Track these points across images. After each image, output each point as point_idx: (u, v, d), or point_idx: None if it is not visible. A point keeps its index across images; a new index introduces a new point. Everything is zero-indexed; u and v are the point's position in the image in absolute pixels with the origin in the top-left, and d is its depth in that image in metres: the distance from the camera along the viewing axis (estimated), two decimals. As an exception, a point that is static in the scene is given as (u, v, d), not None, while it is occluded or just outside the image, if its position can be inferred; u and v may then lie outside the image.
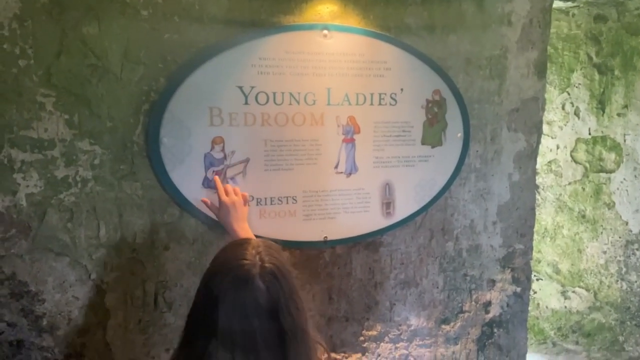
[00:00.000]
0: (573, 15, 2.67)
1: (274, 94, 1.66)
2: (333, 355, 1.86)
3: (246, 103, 1.63)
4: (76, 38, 1.48)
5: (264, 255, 1.08)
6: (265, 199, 1.71)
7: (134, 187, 1.57)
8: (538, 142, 2.04)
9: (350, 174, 1.78)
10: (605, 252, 2.76)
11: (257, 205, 1.70)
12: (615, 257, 2.72)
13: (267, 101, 1.66)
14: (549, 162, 2.81)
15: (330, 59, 1.72)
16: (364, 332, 1.89)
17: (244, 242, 1.16)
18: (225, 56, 1.61)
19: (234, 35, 1.62)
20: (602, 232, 2.75)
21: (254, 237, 1.23)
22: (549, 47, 2.04)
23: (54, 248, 1.52)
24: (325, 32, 1.69)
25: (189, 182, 1.61)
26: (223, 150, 1.63)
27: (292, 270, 1.12)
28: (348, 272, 1.85)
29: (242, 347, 1.01)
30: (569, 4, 2.60)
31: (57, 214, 1.51)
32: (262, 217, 1.71)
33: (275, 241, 1.71)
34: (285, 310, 1.04)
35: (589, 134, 2.74)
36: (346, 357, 1.88)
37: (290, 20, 1.67)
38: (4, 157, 1.45)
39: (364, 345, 1.89)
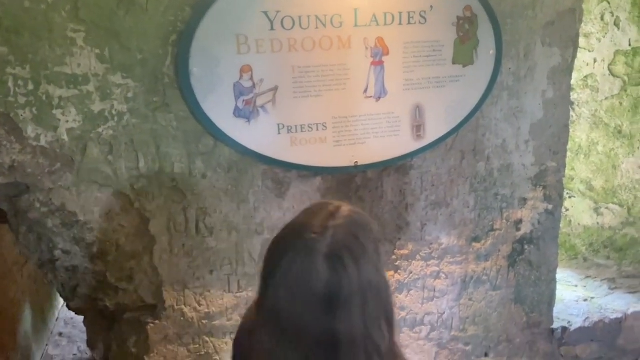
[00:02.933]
0: None
1: (300, 17, 1.63)
2: None
3: (272, 29, 1.61)
4: None
5: (340, 230, 0.83)
6: (296, 126, 1.72)
7: (168, 118, 1.61)
8: (574, 57, 1.96)
9: (379, 97, 1.77)
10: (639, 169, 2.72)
11: (288, 132, 1.72)
12: None
13: (293, 26, 1.63)
14: (585, 76, 2.71)
15: None
16: (396, 251, 1.95)
17: (322, 208, 0.89)
18: None
19: None
20: (638, 147, 2.68)
21: (343, 204, 0.91)
22: None
23: (97, 180, 1.60)
24: None
25: (221, 112, 1.63)
26: (252, 78, 1.64)
27: (380, 266, 0.88)
28: (380, 195, 1.89)
29: (290, 339, 0.81)
30: None
31: (97, 147, 1.58)
32: (293, 145, 1.73)
33: (308, 167, 1.77)
34: (346, 309, 0.79)
35: (629, 45, 2.61)
36: None
37: (314, -62, 1.61)
38: (42, 93, 1.50)
39: (397, 263, 1.96)
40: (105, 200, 1.63)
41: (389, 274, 1.95)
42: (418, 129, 1.84)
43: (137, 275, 1.72)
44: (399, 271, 1.97)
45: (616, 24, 2.61)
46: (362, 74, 1.74)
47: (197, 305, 1.80)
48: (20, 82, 1.48)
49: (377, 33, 1.71)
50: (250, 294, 1.83)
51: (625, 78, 2.64)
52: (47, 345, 2.67)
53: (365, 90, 1.75)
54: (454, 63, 1.81)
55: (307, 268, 0.80)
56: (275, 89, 1.67)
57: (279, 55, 1.65)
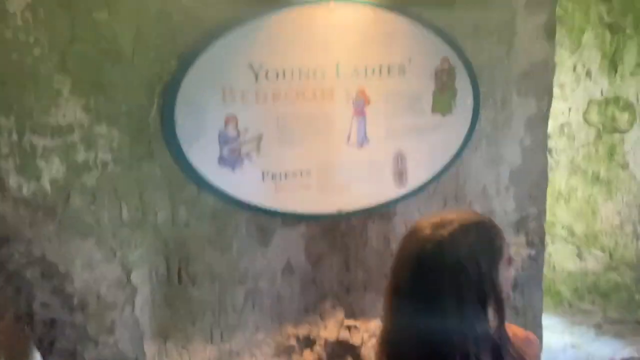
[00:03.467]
0: None
1: (284, 70, 1.68)
2: (352, 322, 1.92)
3: (257, 81, 1.66)
4: (87, 24, 1.50)
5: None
6: (280, 173, 1.74)
7: (153, 167, 1.62)
8: (549, 106, 2.05)
9: (362, 145, 1.81)
10: (619, 213, 2.77)
11: (273, 179, 1.74)
12: (630, 217, 2.73)
13: (277, 78, 1.68)
14: (562, 124, 2.81)
15: (338, 32, 1.72)
16: (382, 299, 1.93)
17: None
18: (234, 34, 1.62)
19: (241, 13, 1.63)
20: (616, 193, 2.75)
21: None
22: (558, 9, 2.02)
23: (79, 229, 1.58)
24: (332, 4, 1.70)
25: (205, 160, 1.65)
26: (236, 127, 1.67)
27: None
28: (364, 242, 1.90)
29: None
30: None
31: (80, 197, 1.57)
32: (277, 192, 1.75)
33: (292, 214, 1.78)
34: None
35: (602, 94, 2.73)
36: (365, 324, 1.93)
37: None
38: (26, 143, 1.50)
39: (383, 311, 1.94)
40: (86, 250, 1.60)
41: (375, 323, 1.92)
42: (400, 176, 1.87)
43: (118, 328, 1.68)
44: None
45: (588, 75, 2.73)
46: (345, 123, 1.78)
47: (179, 357, 1.75)
48: (4, 132, 1.48)
49: (359, 84, 1.77)
50: (234, 345, 1.79)
51: (600, 126, 2.74)
52: (20, 403, 2.55)
53: (348, 139, 1.79)
54: (433, 112, 1.87)
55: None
56: (260, 137, 1.70)
57: (264, 106, 1.69)
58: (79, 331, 1.64)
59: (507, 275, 1.08)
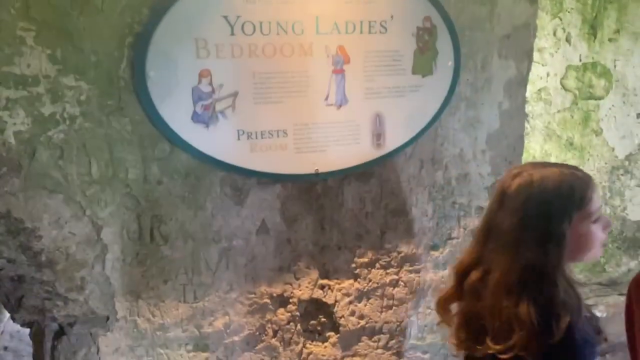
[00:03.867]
0: None
1: (261, 23, 1.62)
2: (326, 281, 1.94)
3: (232, 34, 1.60)
4: None
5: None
6: (256, 132, 1.71)
7: (123, 122, 1.57)
8: (529, 70, 2.03)
9: (340, 105, 1.78)
10: (595, 179, 2.83)
11: (248, 139, 1.70)
12: (601, 182, 2.78)
13: (254, 31, 1.62)
14: (539, 90, 2.80)
15: None
16: (355, 259, 1.96)
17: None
18: None
19: None
20: (589, 159, 2.80)
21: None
22: None
23: (47, 185, 1.54)
24: None
25: (179, 117, 1.61)
26: (211, 83, 1.62)
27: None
28: (340, 203, 1.89)
29: None
30: None
31: (47, 152, 1.52)
32: (253, 151, 1.72)
33: (268, 174, 1.76)
34: None
35: (580, 60, 2.74)
36: (339, 284, 1.96)
37: (276, -56, 1.61)
38: None
39: (356, 271, 1.97)
40: (54, 207, 1.56)
41: (349, 282, 1.96)
42: (378, 137, 1.85)
43: (88, 285, 1.66)
44: (358, 279, 1.97)
45: (567, 40, 2.72)
46: (324, 82, 1.75)
47: (150, 316, 1.75)
48: None
49: (339, 41, 1.72)
50: (207, 304, 1.80)
51: (576, 92, 2.75)
52: (-10, 359, 2.54)
53: (327, 98, 1.76)
54: (413, 73, 1.84)
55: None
56: (235, 94, 1.65)
57: (239, 61, 1.64)
58: (47, 288, 1.63)
59: (584, 230, 1.19)
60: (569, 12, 2.69)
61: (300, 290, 1.92)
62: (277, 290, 1.89)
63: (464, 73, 1.91)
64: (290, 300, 1.92)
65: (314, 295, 1.94)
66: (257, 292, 1.86)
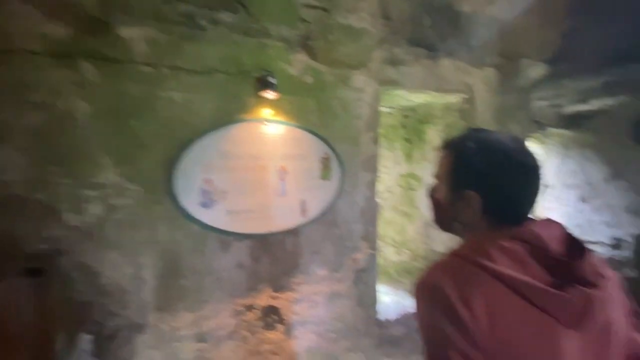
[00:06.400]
0: (391, 114, 2.84)
1: (242, 154, 1.73)
2: (276, 294, 1.89)
3: (225, 160, 1.69)
4: (125, 131, 1.49)
5: None
6: (237, 211, 1.75)
7: (160, 208, 1.57)
8: (377, 177, 2.15)
9: (283, 195, 1.87)
10: (416, 231, 2.83)
11: (233, 215, 1.74)
12: (421, 233, 2.77)
13: (238, 159, 1.73)
14: (387, 186, 2.92)
15: (271, 136, 1.80)
16: (293, 280, 1.94)
17: None
18: (212, 134, 1.66)
19: (215, 121, 1.67)
20: (414, 220, 2.82)
21: None
22: (381, 130, 2.17)
23: (108, 245, 1.50)
24: (265, 123, 1.77)
25: (192, 204, 1.62)
26: (212, 185, 1.67)
27: None
28: (284, 248, 1.90)
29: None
30: (389, 109, 2.81)
31: (110, 226, 1.48)
32: (235, 222, 1.74)
33: (242, 234, 1.72)
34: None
35: (405, 172, 2.85)
36: (284, 295, 1.92)
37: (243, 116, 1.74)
38: (79, 194, 1.44)
39: (293, 287, 1.95)
40: (112, 258, 1.51)
41: (290, 294, 1.94)
42: (304, 212, 1.93)
43: (131, 305, 1.56)
44: (295, 292, 1.96)
45: (397, 162, 2.88)
46: (275, 184, 1.84)
47: (172, 321, 1.64)
48: (64, 187, 1.42)
49: (282, 163, 1.86)
50: (205, 312, 1.70)
51: (405, 187, 2.87)
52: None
53: (276, 192, 1.85)
54: (321, 179, 1.96)
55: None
56: (225, 191, 1.72)
57: (229, 174, 1.71)
58: (105, 308, 1.54)
59: None
60: (397, 149, 2.90)
61: (261, 300, 1.87)
62: (247, 301, 1.83)
63: (347, 178, 2.04)
64: (255, 307, 1.85)
65: (270, 303, 1.89)
66: (235, 303, 1.80)
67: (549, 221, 0.71)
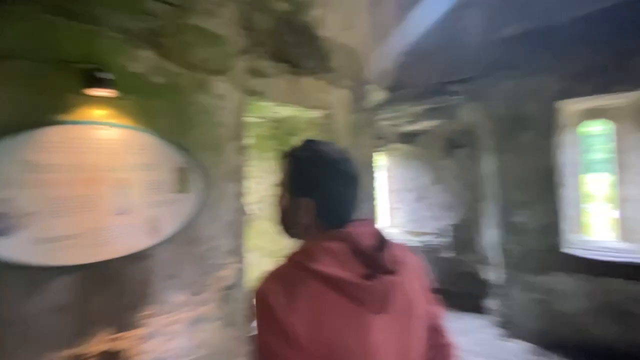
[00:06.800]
0: (262, 125, 2.83)
1: (60, 165, 1.32)
2: (118, 335, 1.51)
3: (33, 172, 1.25)
4: None
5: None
6: (54, 237, 1.32)
7: None
8: (244, 187, 2.04)
9: (123, 214, 1.52)
10: (291, 240, 2.90)
11: (46, 243, 1.30)
12: (295, 241, 2.86)
13: (54, 171, 1.30)
14: (260, 197, 2.85)
15: (111, 143, 1.46)
16: (142, 313, 1.60)
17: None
18: (12, 138, 1.21)
19: (19, 121, 1.23)
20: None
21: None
22: (252, 140, 2.09)
23: None
24: (108, 127, 1.44)
25: None
26: (9, 207, 1.21)
27: None
28: (131, 276, 1.56)
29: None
30: (260, 120, 2.73)
31: None
32: (55, 251, 1.31)
33: (68, 267, 1.34)
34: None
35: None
36: (128, 332, 1.55)
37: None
38: None
39: (142, 321, 1.60)
40: None
41: (138, 331, 1.57)
42: (155, 231, 1.63)
43: None
44: (145, 327, 1.60)
45: (267, 172, 2.80)
46: (112, 200, 1.48)
47: None
48: None
49: (123, 175, 1.51)
50: None
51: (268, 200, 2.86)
52: None
53: (113, 210, 1.49)
54: (178, 192, 1.71)
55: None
56: (31, 213, 1.26)
57: (38, 190, 1.27)
58: None
59: None
60: (265, 159, 2.84)
61: (94, 347, 1.45)
62: (73, 351, 1.39)
63: (211, 190, 1.84)
64: (86, 356, 1.42)
65: (108, 348, 1.48)
66: (55, 356, 1.34)
67: (363, 220, 0.75)
